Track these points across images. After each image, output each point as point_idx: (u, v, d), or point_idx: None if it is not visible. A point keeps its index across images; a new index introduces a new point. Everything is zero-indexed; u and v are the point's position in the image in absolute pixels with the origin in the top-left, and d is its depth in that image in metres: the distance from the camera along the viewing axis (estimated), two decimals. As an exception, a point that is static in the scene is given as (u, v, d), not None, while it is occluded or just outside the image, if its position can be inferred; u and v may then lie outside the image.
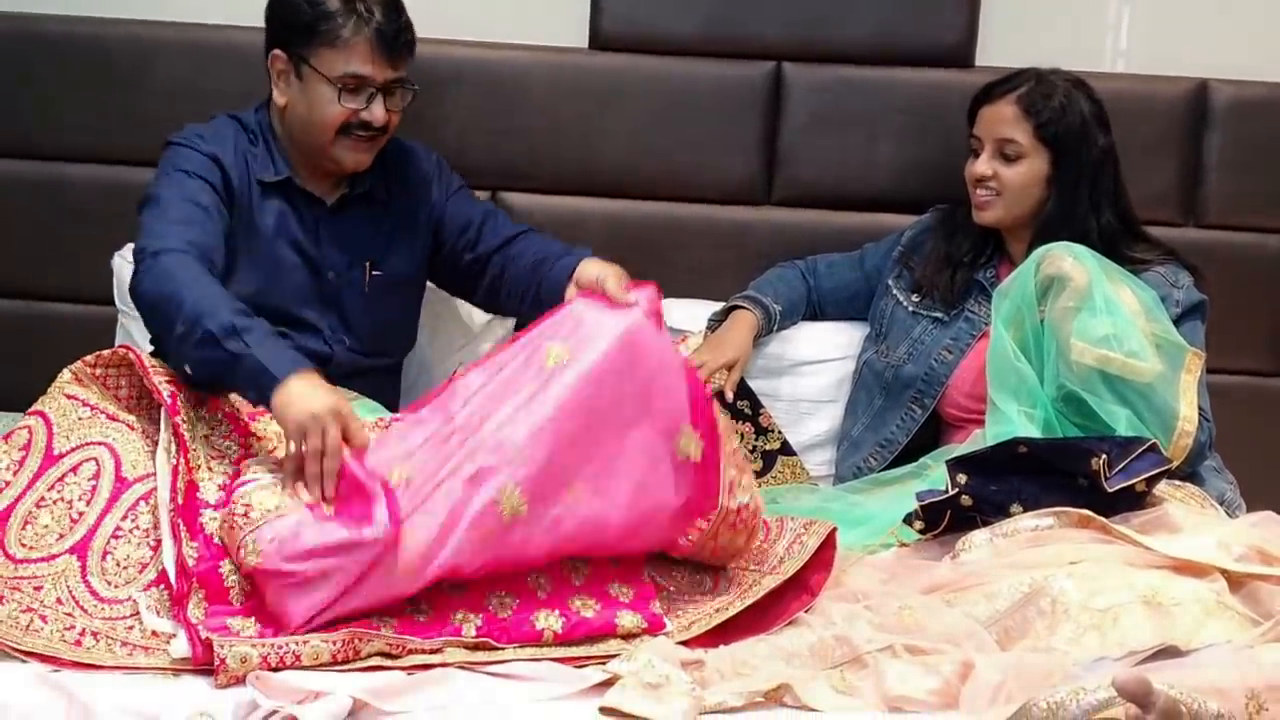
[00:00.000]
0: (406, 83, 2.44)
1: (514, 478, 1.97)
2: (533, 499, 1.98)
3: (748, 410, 2.66)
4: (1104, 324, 2.35)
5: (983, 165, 2.60)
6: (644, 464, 2.05)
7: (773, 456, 2.66)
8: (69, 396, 2.18)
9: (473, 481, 1.96)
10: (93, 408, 2.17)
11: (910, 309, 2.71)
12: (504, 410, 2.00)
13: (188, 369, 2.15)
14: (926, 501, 2.17)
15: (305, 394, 2.02)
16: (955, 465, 2.18)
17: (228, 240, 2.37)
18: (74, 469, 2.09)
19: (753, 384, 2.74)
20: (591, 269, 2.26)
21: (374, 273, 2.53)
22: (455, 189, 2.66)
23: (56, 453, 2.11)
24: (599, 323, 2.06)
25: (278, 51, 2.42)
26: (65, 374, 2.21)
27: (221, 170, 2.40)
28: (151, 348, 2.38)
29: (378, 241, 2.54)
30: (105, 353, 2.23)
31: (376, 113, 2.40)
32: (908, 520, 2.20)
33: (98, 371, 2.22)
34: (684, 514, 2.08)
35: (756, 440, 2.64)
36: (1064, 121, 2.58)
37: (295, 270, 2.48)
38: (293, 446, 2.00)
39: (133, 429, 2.14)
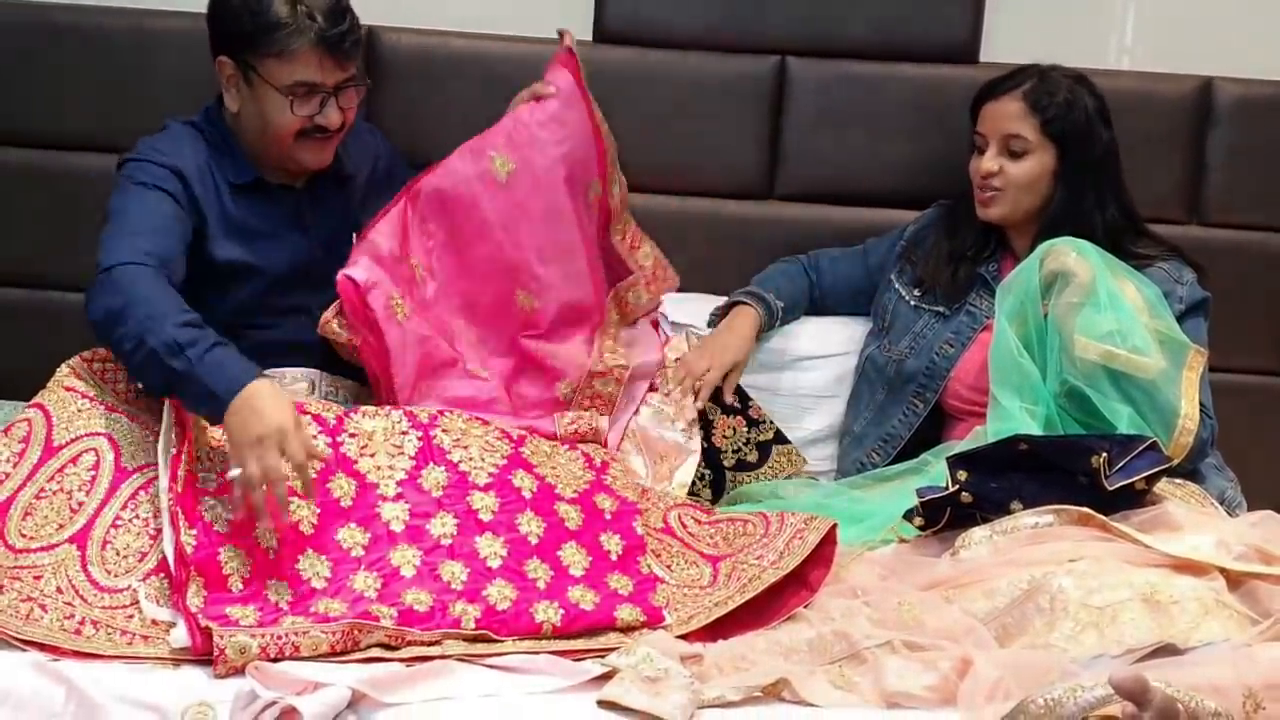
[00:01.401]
0: (357, 80, 2.42)
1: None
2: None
3: (737, 405, 2.66)
4: (1108, 319, 2.34)
5: (989, 162, 2.59)
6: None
7: (767, 447, 2.66)
8: (68, 389, 2.18)
9: None
10: (91, 400, 2.17)
11: (913, 303, 2.71)
12: None
13: (139, 384, 2.17)
14: (927, 498, 2.17)
15: (249, 416, 1.98)
16: (956, 462, 2.18)
17: (208, 249, 2.38)
18: (73, 460, 2.10)
19: (753, 378, 2.74)
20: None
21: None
22: (405, 171, 2.68)
23: (56, 444, 2.11)
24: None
25: (224, 58, 2.38)
26: (64, 368, 2.23)
27: (182, 181, 2.37)
28: None
29: (356, 211, 2.55)
30: (102, 347, 2.24)
31: (332, 117, 2.37)
32: (908, 516, 2.20)
33: (95, 365, 2.23)
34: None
35: (749, 433, 2.64)
36: (1070, 118, 2.58)
37: (284, 260, 2.46)
38: (237, 472, 1.98)
39: (132, 420, 2.15)
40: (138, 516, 2.05)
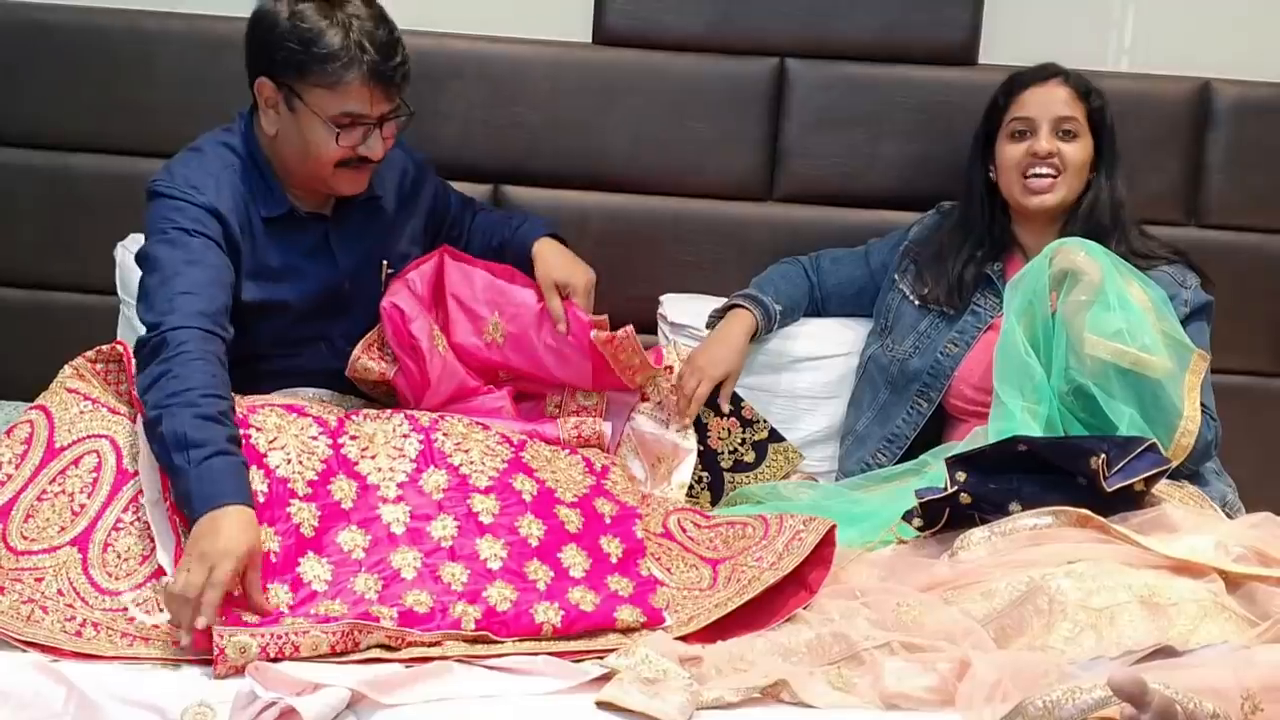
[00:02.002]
0: (402, 109, 2.35)
1: None
2: None
3: (729, 406, 2.66)
4: (1117, 318, 2.35)
5: (1046, 143, 2.58)
6: None
7: (763, 446, 2.66)
8: (70, 390, 2.18)
9: None
10: (94, 401, 2.17)
11: (916, 303, 2.71)
12: None
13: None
14: (925, 499, 2.17)
15: (209, 533, 1.93)
16: (954, 463, 2.18)
17: (235, 290, 2.32)
18: (75, 461, 2.10)
19: (752, 379, 2.74)
20: (557, 268, 2.52)
21: (389, 270, 2.51)
22: (432, 179, 2.68)
23: (58, 446, 2.11)
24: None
25: (265, 80, 2.30)
26: (66, 369, 2.23)
27: (220, 221, 2.30)
28: None
29: (383, 235, 2.53)
30: (104, 348, 2.24)
31: (375, 148, 2.32)
32: (907, 517, 2.20)
33: (98, 366, 2.23)
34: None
35: (744, 433, 2.65)
36: (1104, 111, 2.62)
37: (309, 292, 2.43)
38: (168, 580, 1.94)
39: (133, 421, 2.15)
40: (139, 519, 2.05)
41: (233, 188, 2.34)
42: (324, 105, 2.27)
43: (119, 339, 2.43)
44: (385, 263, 2.51)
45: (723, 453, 2.63)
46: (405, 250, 2.55)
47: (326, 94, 2.26)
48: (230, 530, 1.94)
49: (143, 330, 2.19)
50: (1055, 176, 2.58)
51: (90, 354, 2.23)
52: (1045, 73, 2.64)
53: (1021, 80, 2.65)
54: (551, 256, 2.57)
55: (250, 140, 2.39)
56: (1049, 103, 2.60)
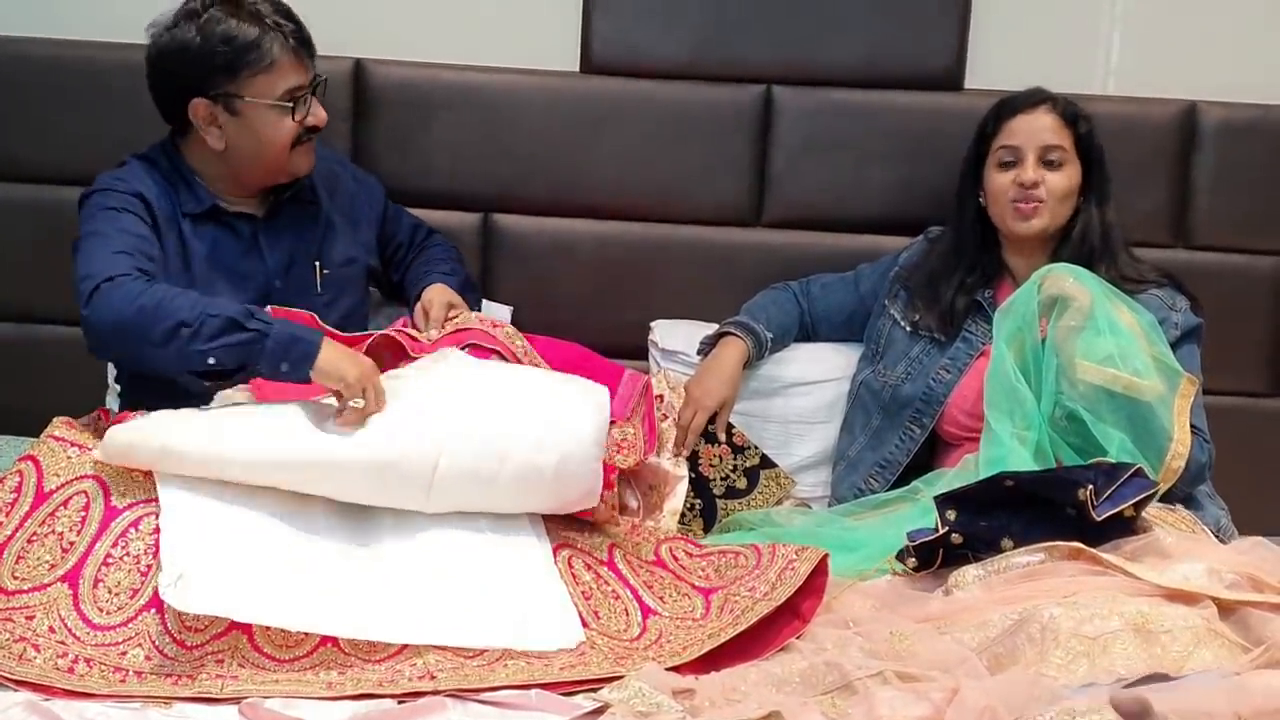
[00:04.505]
0: (318, 75, 2.48)
1: None
2: None
3: (720, 434, 2.66)
4: (1107, 343, 2.36)
5: (1031, 172, 2.59)
6: None
7: (755, 472, 2.66)
8: (57, 439, 2.18)
9: None
10: (80, 447, 2.17)
11: (908, 329, 2.71)
12: None
13: (211, 360, 2.20)
14: (918, 541, 2.17)
15: (346, 355, 2.19)
16: (944, 501, 2.17)
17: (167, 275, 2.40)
18: (64, 503, 2.09)
19: (744, 405, 2.75)
20: (430, 295, 2.58)
21: (324, 271, 2.56)
22: (384, 202, 2.74)
23: (47, 490, 2.11)
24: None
25: (197, 101, 2.39)
26: (55, 422, 2.23)
27: (146, 204, 2.42)
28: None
29: (317, 237, 2.58)
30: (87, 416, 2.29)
31: (320, 113, 2.44)
32: (900, 558, 2.20)
33: (83, 420, 2.25)
34: None
35: (735, 460, 2.65)
36: (1093, 136, 2.63)
37: (239, 290, 2.47)
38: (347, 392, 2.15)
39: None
40: (128, 554, 2.05)
41: (156, 182, 2.45)
42: (267, 90, 2.39)
43: (103, 407, 2.47)
44: (319, 264, 2.56)
45: (714, 479, 2.63)
46: (350, 255, 2.62)
47: (265, 79, 2.38)
48: (354, 354, 2.22)
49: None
50: (1041, 203, 2.59)
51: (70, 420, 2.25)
52: (1032, 99, 2.64)
53: (1009, 106, 2.65)
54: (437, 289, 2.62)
55: (170, 152, 2.49)
56: (1035, 131, 2.61)
